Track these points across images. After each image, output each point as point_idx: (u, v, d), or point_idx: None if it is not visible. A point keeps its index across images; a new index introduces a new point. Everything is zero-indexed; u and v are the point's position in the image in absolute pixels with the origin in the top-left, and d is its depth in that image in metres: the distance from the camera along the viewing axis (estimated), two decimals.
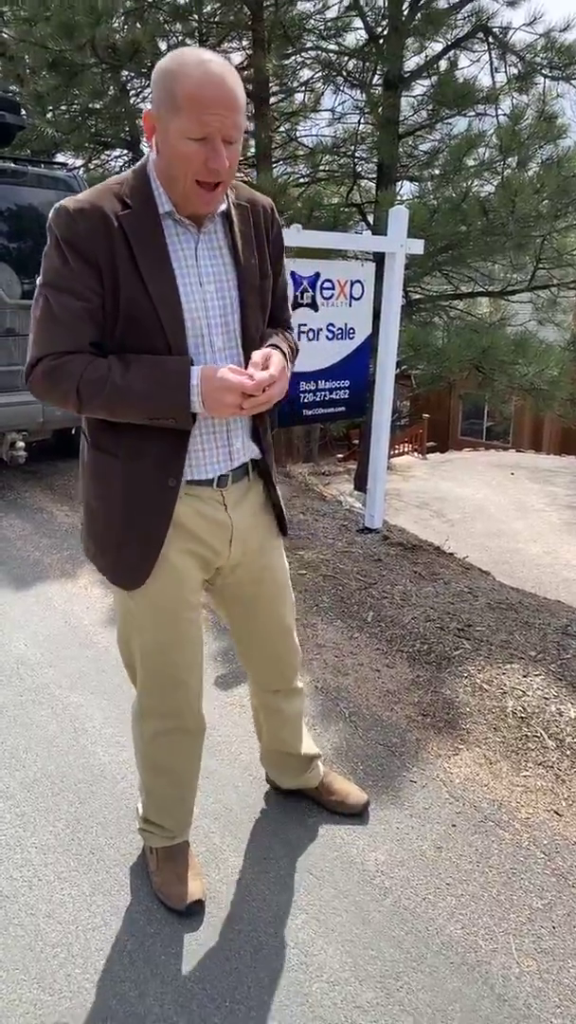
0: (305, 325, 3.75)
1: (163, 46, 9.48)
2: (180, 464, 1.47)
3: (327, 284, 3.74)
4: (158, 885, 1.81)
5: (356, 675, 2.82)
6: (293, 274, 3.83)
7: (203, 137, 1.28)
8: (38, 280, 1.39)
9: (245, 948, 1.68)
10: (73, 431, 5.44)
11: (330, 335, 3.86)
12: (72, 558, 3.94)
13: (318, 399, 3.91)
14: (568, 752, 2.38)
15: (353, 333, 3.99)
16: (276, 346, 1.51)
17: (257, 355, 1.43)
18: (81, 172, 6.83)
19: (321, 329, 3.80)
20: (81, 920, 1.74)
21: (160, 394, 1.36)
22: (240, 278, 1.47)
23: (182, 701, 1.68)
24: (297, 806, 2.11)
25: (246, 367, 1.45)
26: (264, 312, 1.55)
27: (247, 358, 1.47)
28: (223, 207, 1.46)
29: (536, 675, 2.79)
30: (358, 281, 3.92)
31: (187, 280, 1.40)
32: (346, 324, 3.89)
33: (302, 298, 3.88)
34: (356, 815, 2.06)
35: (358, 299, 3.93)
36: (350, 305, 3.95)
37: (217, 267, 1.45)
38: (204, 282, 1.43)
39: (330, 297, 3.78)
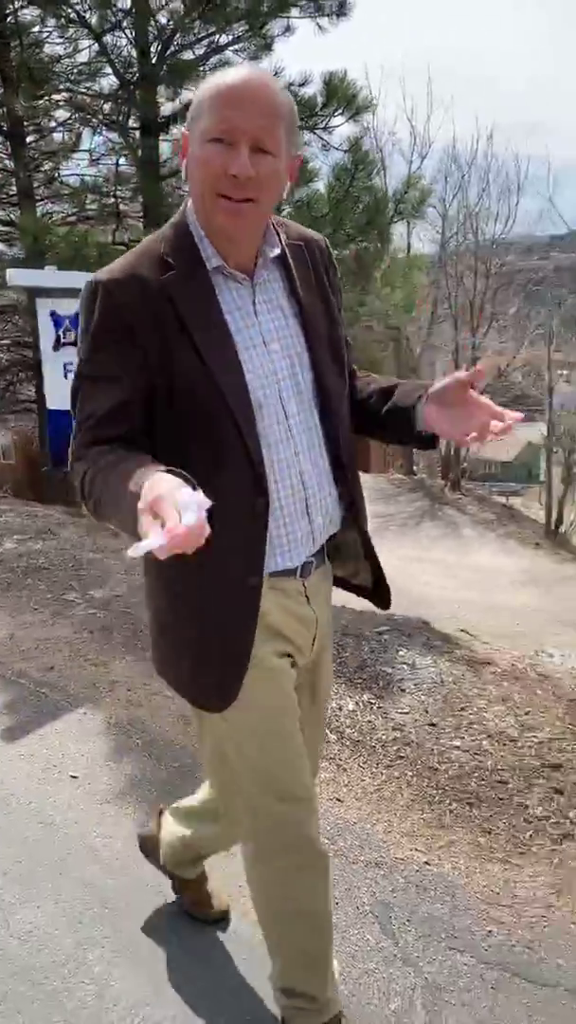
0: (71, 364, 3.75)
1: None
2: (260, 556, 1.24)
3: None
4: None
5: (149, 705, 2.85)
6: (53, 313, 3.83)
7: (221, 138, 1.11)
8: (75, 364, 1.23)
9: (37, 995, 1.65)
10: None
11: None
12: None
13: None
14: (347, 743, 2.58)
15: None
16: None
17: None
18: None
19: None
20: None
21: (122, 515, 1.05)
22: (307, 331, 1.28)
23: (304, 832, 1.36)
24: (81, 844, 2.10)
25: (333, 438, 1.30)
26: (341, 368, 1.34)
27: (327, 427, 1.30)
28: (276, 251, 1.26)
29: None
30: None
31: (248, 342, 1.22)
32: None
33: (65, 337, 3.88)
34: (209, 922, 1.82)
35: None
36: None
37: (279, 321, 1.26)
38: (268, 340, 1.24)
39: None
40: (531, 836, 2.15)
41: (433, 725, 2.66)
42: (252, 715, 1.29)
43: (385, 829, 2.18)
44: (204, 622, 1.26)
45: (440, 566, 9.87)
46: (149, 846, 1.88)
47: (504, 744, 2.55)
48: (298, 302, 1.28)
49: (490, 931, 1.82)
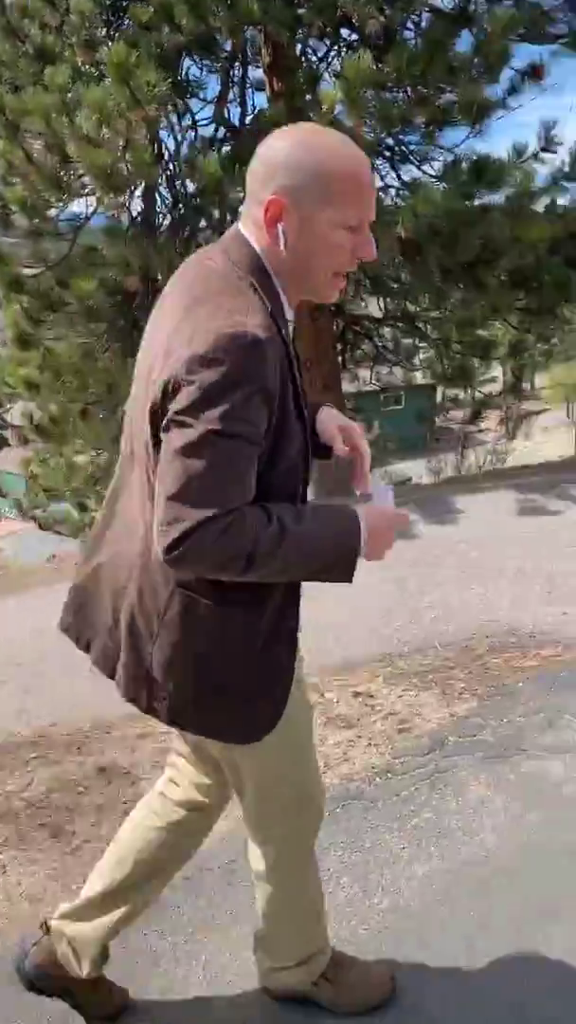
0: None
1: None
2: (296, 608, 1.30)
3: None
4: (351, 1000, 1.55)
5: None
6: None
7: (357, 226, 1.14)
8: (197, 424, 1.05)
9: None
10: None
11: None
12: None
13: None
14: None
15: None
16: None
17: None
18: None
19: None
20: None
21: (336, 540, 1.16)
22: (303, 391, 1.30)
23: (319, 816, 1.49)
24: None
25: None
26: None
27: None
28: (292, 314, 1.24)
29: None
30: None
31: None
32: None
33: None
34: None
35: None
36: None
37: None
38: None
39: None
40: None
41: None
42: (292, 728, 1.32)
43: None
44: (267, 654, 1.26)
45: None
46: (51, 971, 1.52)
47: None
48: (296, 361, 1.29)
49: None
